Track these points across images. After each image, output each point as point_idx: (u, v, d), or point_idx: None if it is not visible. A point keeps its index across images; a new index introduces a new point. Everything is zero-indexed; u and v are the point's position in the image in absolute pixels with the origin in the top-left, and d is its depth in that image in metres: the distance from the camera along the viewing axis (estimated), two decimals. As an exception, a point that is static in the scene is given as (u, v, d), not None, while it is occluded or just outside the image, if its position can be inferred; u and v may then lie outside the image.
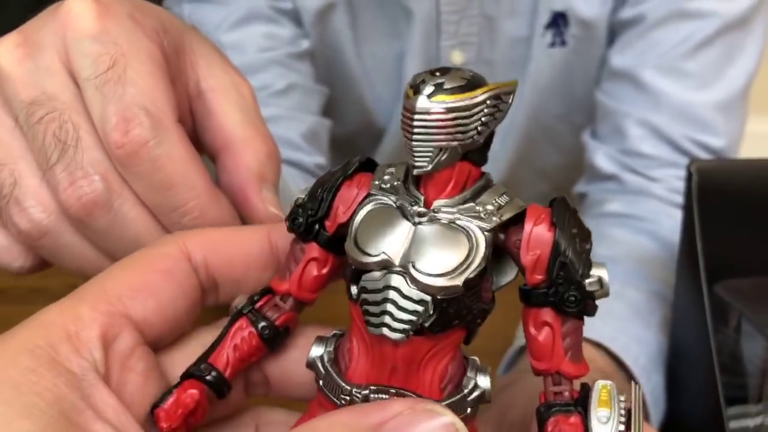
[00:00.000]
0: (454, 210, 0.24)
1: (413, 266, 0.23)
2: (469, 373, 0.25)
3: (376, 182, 0.25)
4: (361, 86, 0.80)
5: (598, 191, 0.74)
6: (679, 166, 0.68)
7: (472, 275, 0.23)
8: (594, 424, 0.23)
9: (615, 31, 0.74)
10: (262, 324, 0.26)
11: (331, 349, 0.26)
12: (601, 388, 0.24)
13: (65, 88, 0.31)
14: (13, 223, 0.32)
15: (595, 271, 0.24)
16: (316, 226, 0.26)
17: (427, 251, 0.23)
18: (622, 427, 0.23)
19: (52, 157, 0.31)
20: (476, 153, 0.24)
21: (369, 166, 0.26)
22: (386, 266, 0.23)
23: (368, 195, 0.25)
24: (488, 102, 0.23)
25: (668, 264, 0.57)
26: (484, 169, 0.25)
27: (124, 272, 0.26)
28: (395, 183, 0.25)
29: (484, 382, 0.25)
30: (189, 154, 0.31)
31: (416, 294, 0.23)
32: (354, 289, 0.24)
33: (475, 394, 0.25)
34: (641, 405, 0.24)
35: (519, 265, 0.24)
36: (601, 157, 0.73)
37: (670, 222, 0.64)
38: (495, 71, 0.80)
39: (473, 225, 0.23)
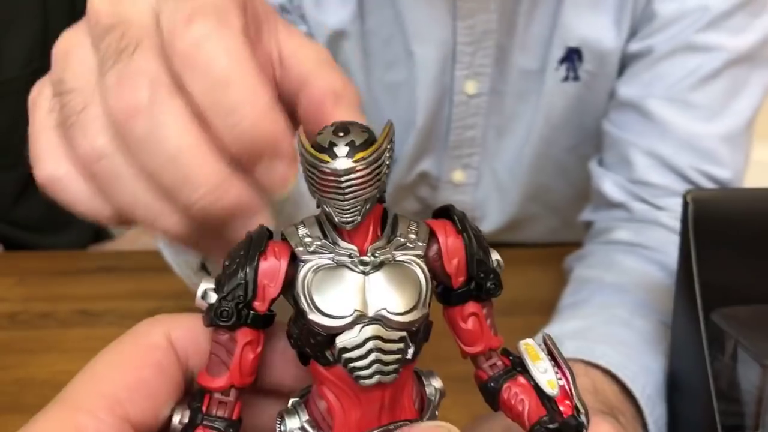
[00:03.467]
0: (388, 249, 0.26)
1: (387, 311, 0.24)
2: (425, 381, 0.27)
3: (300, 248, 0.25)
4: (368, 113, 0.81)
5: (605, 219, 0.75)
6: None
7: (430, 299, 0.26)
8: (539, 377, 0.26)
9: (624, 63, 0.75)
10: (223, 425, 0.25)
11: (307, 417, 0.26)
12: (527, 347, 0.27)
13: (144, 14, 0.31)
14: (75, 147, 0.31)
15: (494, 256, 0.27)
16: (245, 311, 0.25)
17: (390, 294, 0.25)
18: (556, 369, 0.27)
19: (107, 65, 0.30)
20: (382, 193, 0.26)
21: (270, 234, 0.27)
22: (359, 321, 0.24)
23: (297, 261, 0.25)
24: (388, 147, 0.25)
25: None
26: None
27: (115, 370, 0.25)
28: (318, 243, 0.26)
29: (437, 383, 0.28)
30: (249, 58, 0.30)
31: (395, 334, 0.25)
32: (329, 354, 0.25)
33: (438, 397, 0.27)
34: (555, 344, 0.27)
35: (442, 274, 0.27)
36: (609, 185, 0.73)
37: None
38: (505, 103, 0.80)
39: (410, 257, 0.26)
